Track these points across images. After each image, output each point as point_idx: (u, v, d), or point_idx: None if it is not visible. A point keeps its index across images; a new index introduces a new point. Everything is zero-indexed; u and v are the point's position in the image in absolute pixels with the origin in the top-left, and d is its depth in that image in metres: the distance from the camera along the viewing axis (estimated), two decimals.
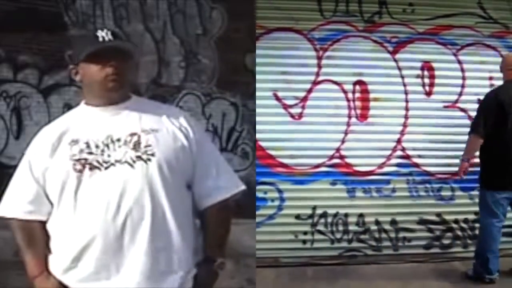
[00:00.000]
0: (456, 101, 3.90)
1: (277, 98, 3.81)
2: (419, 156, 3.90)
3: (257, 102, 3.56)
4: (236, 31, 3.48)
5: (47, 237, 1.63)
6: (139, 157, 1.56)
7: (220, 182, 1.70)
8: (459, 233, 3.94)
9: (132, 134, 1.59)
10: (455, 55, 3.92)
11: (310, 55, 3.83)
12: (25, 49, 3.33)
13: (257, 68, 3.53)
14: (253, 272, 3.18)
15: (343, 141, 3.85)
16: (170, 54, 3.50)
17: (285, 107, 3.83)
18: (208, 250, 1.71)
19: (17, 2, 3.30)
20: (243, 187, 1.75)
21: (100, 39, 1.58)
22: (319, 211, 3.84)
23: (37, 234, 1.63)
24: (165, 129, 1.63)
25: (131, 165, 1.55)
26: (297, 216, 3.83)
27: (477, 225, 3.89)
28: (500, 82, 3.44)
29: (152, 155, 1.56)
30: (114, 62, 1.56)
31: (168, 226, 1.57)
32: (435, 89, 3.91)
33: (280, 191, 3.82)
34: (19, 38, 3.31)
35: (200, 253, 1.69)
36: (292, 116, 3.83)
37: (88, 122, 1.62)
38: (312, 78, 3.84)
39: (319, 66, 3.84)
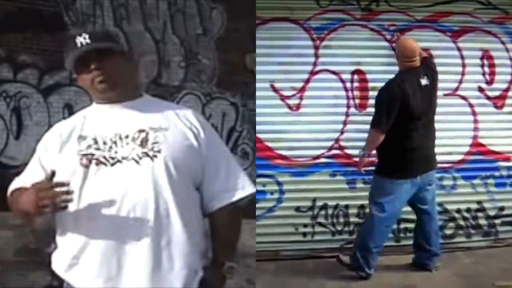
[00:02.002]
0: (456, 89, 3.84)
1: (274, 90, 3.76)
2: None
3: None
4: (236, 31, 3.48)
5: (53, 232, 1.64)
6: (145, 154, 1.55)
7: (230, 185, 1.68)
8: (462, 222, 3.88)
9: (140, 131, 1.59)
10: (454, 42, 3.85)
11: (307, 45, 3.76)
12: (25, 49, 3.34)
13: None
14: (253, 272, 3.17)
15: (342, 132, 3.80)
16: (170, 54, 3.49)
17: (283, 98, 3.78)
18: (217, 253, 1.70)
19: (17, 2, 3.31)
20: (253, 189, 1.73)
21: (78, 45, 1.56)
22: (319, 203, 3.79)
23: None
24: (174, 128, 1.62)
25: (137, 162, 1.54)
26: (297, 209, 3.79)
27: (480, 214, 3.87)
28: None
29: (159, 151, 1.55)
30: (95, 64, 1.56)
31: (172, 224, 1.54)
32: None
33: (279, 183, 3.77)
34: (19, 38, 3.32)
35: (209, 256, 1.68)
36: (289, 107, 3.78)
37: (97, 119, 1.64)
38: (310, 68, 3.78)
39: (316, 55, 3.78)
